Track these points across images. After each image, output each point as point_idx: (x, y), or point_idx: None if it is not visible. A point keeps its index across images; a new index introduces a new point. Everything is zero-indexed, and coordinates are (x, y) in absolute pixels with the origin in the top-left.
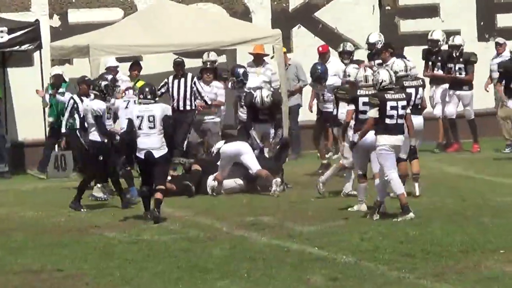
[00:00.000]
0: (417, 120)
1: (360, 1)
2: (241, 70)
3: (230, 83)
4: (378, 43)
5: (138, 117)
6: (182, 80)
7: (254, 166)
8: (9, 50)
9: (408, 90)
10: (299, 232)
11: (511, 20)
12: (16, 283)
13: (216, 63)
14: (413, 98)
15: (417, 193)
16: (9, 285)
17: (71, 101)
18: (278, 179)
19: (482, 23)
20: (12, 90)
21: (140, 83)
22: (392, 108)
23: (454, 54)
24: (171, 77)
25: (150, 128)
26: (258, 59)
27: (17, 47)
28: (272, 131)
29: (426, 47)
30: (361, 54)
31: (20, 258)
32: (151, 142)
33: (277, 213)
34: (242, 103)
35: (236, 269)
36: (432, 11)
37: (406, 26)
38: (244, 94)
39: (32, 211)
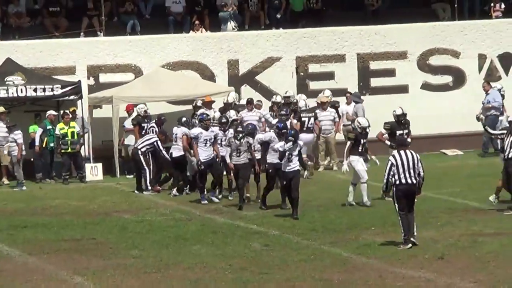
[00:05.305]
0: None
1: (284, 69)
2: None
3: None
4: (292, 98)
5: None
6: None
7: None
8: (61, 99)
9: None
10: (245, 215)
11: (381, 82)
12: (65, 246)
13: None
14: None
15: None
16: (61, 248)
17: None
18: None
19: (361, 83)
20: None
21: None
22: None
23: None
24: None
25: None
26: (209, 105)
27: (67, 97)
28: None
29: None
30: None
31: (68, 231)
32: None
33: (233, 205)
34: None
35: (205, 238)
36: (329, 76)
37: (313, 85)
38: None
39: (76, 201)
